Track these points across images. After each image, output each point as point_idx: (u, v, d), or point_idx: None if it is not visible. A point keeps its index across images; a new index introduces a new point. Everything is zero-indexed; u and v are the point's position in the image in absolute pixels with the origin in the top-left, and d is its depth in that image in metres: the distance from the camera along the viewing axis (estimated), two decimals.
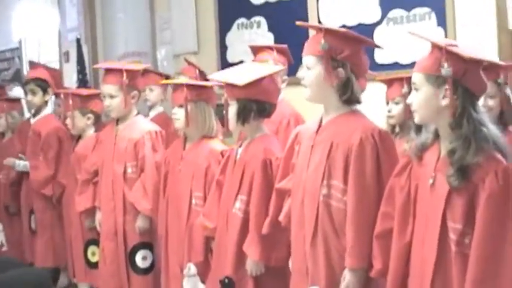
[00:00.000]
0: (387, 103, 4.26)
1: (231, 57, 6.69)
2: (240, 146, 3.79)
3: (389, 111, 4.22)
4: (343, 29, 3.13)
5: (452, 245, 2.58)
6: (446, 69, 2.55)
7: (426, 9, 5.44)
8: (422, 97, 2.66)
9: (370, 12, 5.71)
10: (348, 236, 2.97)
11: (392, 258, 2.80)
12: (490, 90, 3.84)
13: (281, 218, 3.39)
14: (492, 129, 2.62)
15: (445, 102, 2.59)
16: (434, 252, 2.61)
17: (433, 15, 5.40)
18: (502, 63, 4.06)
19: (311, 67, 3.10)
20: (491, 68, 3.87)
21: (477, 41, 5.22)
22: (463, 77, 2.58)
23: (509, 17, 5.20)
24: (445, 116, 2.61)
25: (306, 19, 6.00)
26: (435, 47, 2.63)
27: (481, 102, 3.75)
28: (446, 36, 5.30)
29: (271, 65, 4.60)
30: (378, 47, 3.19)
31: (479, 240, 2.49)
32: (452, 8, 5.32)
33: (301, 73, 3.17)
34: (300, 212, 3.15)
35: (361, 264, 2.95)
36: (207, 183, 4.08)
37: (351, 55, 3.06)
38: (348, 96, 3.07)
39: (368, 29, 5.60)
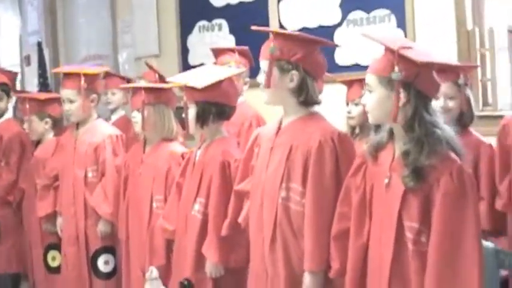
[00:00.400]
0: (347, 104, 4.27)
1: (192, 60, 6.68)
2: (199, 149, 3.78)
3: (349, 113, 4.23)
4: (294, 32, 3.15)
5: (409, 244, 2.59)
6: (396, 73, 2.55)
7: (386, 11, 5.48)
8: (375, 99, 2.67)
9: (331, 14, 5.75)
10: (307, 239, 2.97)
11: (350, 258, 2.81)
12: (450, 91, 3.89)
13: (240, 219, 3.39)
14: (446, 129, 2.63)
15: (399, 103, 2.60)
16: (391, 251, 2.63)
17: (393, 17, 5.45)
18: (459, 64, 4.10)
19: (266, 71, 3.10)
20: (450, 69, 3.90)
21: (436, 42, 5.27)
22: (415, 80, 2.58)
23: (468, 18, 5.26)
24: (398, 117, 2.62)
25: (266, 21, 6.02)
26: (388, 49, 2.64)
27: (441, 103, 3.83)
28: (405, 37, 5.34)
29: (233, 67, 4.62)
30: (335, 46, 3.20)
31: (436, 239, 2.51)
32: (412, 10, 5.37)
33: (259, 77, 3.17)
34: (259, 214, 3.14)
35: (320, 267, 2.96)
36: (168, 186, 4.07)
37: (304, 57, 3.05)
38: (304, 98, 3.07)
39: (328, 31, 5.63)
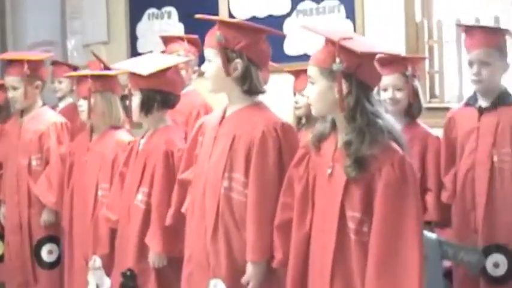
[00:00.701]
0: (294, 94, 4.27)
1: (141, 48, 6.65)
2: (143, 138, 3.75)
3: (296, 103, 4.22)
4: (238, 20, 3.13)
5: (351, 234, 2.60)
6: (337, 65, 2.55)
7: (335, 2, 5.51)
8: (317, 90, 2.66)
9: (280, 4, 5.77)
10: (249, 229, 2.96)
11: (292, 247, 2.80)
12: (398, 82, 3.91)
13: (184, 209, 3.35)
14: (387, 119, 2.65)
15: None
16: (333, 241, 2.62)
17: (342, 8, 5.48)
18: (403, 55, 4.11)
19: (211, 59, 3.08)
20: (398, 60, 3.93)
21: (385, 34, 5.30)
22: (356, 70, 2.58)
23: (417, 10, 5.29)
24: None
25: (216, 10, 6.02)
26: (329, 41, 2.63)
27: (389, 94, 3.85)
28: (354, 28, 5.38)
29: (182, 55, 4.59)
30: (280, 35, 3.19)
31: (378, 228, 2.51)
32: (361, 1, 5.42)
33: (203, 66, 3.15)
34: (201, 204, 3.11)
35: (262, 257, 2.95)
36: (114, 174, 4.02)
37: (248, 46, 3.03)
38: (248, 87, 3.05)
39: (278, 21, 5.65)
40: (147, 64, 3.64)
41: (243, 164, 3.00)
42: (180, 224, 3.38)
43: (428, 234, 3.49)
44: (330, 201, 2.66)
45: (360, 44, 2.62)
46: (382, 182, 2.52)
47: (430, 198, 3.93)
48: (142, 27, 6.74)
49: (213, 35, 3.05)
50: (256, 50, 3.07)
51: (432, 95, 5.30)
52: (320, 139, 2.75)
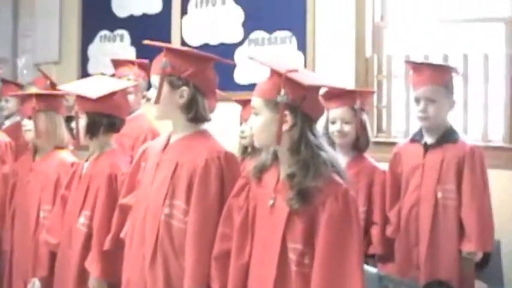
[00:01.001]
0: (241, 123, 4.28)
1: (92, 69, 6.62)
2: (87, 161, 3.71)
3: (242, 132, 4.23)
4: (186, 48, 3.10)
5: (292, 265, 2.58)
6: (282, 97, 2.55)
7: (287, 33, 5.53)
8: (261, 122, 2.66)
9: (233, 33, 5.78)
10: (188, 257, 2.92)
11: (230, 278, 2.78)
12: (346, 116, 3.95)
13: (123, 234, 3.31)
14: (330, 152, 2.65)
15: (284, 127, 2.60)
16: (274, 272, 2.61)
17: (294, 39, 5.51)
18: (350, 88, 4.14)
19: (157, 86, 3.04)
20: (347, 94, 3.96)
21: (335, 67, 5.34)
22: (302, 103, 2.58)
23: (367, 45, 5.35)
24: (284, 140, 2.61)
25: (169, 35, 6.03)
26: (274, 72, 2.63)
27: (337, 127, 3.88)
28: (305, 60, 5.42)
29: (132, 79, 4.57)
30: (228, 63, 3.17)
31: (320, 260, 2.51)
32: (313, 34, 5.44)
33: (149, 92, 3.13)
34: (141, 230, 3.08)
35: (199, 286, 2.91)
36: (56, 196, 3.96)
37: (194, 74, 3.01)
38: (193, 115, 3.04)
39: (229, 49, 5.67)
40: (95, 87, 3.61)
41: (184, 191, 2.97)
42: (119, 249, 3.33)
43: (369, 268, 3.50)
44: (271, 233, 2.64)
45: (306, 76, 2.63)
46: (325, 215, 2.51)
47: (375, 231, 3.96)
48: (93, 48, 6.70)
49: (159, 62, 3.03)
50: (203, 78, 3.05)
51: (379, 130, 5.35)
52: (262, 170, 2.74)
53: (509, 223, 4.68)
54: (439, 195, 3.78)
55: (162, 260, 3.00)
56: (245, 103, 4.22)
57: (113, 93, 3.58)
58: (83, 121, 3.57)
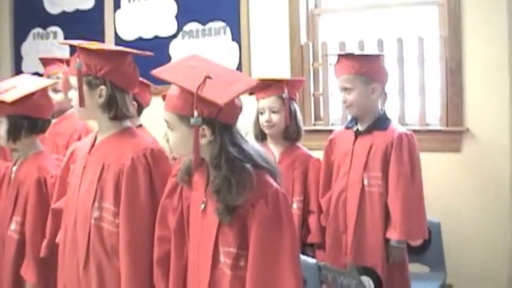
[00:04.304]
0: None
1: (26, 68, 6.49)
2: (15, 165, 3.63)
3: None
4: (99, 46, 3.00)
5: (226, 269, 2.52)
6: (195, 119, 2.40)
7: (221, 24, 5.51)
8: (177, 137, 2.53)
9: (166, 26, 5.73)
10: (123, 260, 2.86)
11: (171, 281, 2.71)
12: (274, 105, 3.93)
13: (58, 239, 3.23)
14: (257, 151, 2.55)
15: (203, 141, 2.47)
16: (208, 276, 2.55)
17: (228, 30, 5.48)
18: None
19: (75, 87, 2.97)
20: (274, 83, 3.94)
21: (270, 56, 5.33)
22: (218, 115, 2.45)
23: (302, 32, 5.33)
24: (204, 152, 2.50)
25: (102, 31, 5.97)
26: (185, 91, 2.44)
27: (265, 117, 3.87)
28: (240, 50, 5.39)
29: (61, 78, 4.49)
30: (146, 56, 3.06)
31: (254, 262, 2.45)
32: (247, 24, 5.42)
33: (70, 94, 3.05)
34: (73, 234, 3.01)
35: None
36: None
37: (111, 71, 2.93)
38: (114, 113, 2.97)
39: (164, 42, 5.63)
40: (12, 89, 3.51)
41: (112, 193, 2.90)
42: (56, 255, 3.24)
43: (308, 259, 3.48)
44: (203, 236, 2.58)
45: (218, 87, 2.43)
46: (256, 218, 2.44)
47: (312, 220, 3.98)
48: (27, 46, 6.59)
49: (74, 62, 2.95)
50: (120, 74, 2.97)
51: (317, 118, 5.33)
52: (188, 173, 2.66)
53: (449, 205, 4.72)
54: (365, 182, 3.81)
55: (95, 264, 2.94)
56: None
57: (31, 94, 3.48)
58: (4, 125, 3.48)
